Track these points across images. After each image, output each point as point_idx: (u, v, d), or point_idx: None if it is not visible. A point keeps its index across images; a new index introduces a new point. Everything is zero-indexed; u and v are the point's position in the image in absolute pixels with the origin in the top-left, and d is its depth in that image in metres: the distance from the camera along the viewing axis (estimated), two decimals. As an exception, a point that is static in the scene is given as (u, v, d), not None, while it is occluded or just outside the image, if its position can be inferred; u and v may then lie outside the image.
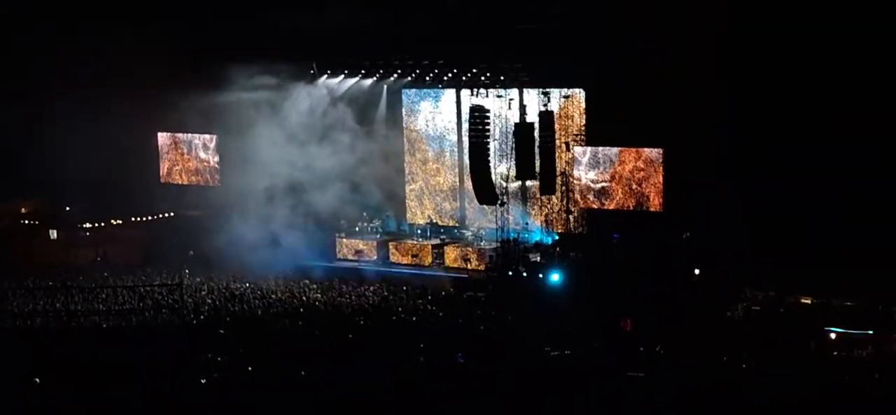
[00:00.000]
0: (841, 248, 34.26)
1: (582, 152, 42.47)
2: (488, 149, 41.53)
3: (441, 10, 41.07)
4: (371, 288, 41.63)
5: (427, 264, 44.23)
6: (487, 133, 41.37)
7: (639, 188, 41.45)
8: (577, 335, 32.96)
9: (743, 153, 37.12)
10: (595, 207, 42.58)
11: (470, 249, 43.72)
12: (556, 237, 42.57)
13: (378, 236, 46.20)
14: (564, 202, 42.41)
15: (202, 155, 51.13)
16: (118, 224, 51.10)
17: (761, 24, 36.30)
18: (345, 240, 46.21)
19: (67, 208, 51.86)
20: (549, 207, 43.12)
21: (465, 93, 44.16)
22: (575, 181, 42.55)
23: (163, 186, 52.20)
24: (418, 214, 47.14)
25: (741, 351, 30.99)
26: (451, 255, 43.98)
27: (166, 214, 51.64)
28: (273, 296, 40.65)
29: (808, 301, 35.12)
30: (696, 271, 38.19)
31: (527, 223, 43.37)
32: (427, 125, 46.61)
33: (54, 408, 27.00)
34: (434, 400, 26.96)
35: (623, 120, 40.22)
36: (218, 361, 30.79)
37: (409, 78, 45.04)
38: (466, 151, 42.88)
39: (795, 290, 35.27)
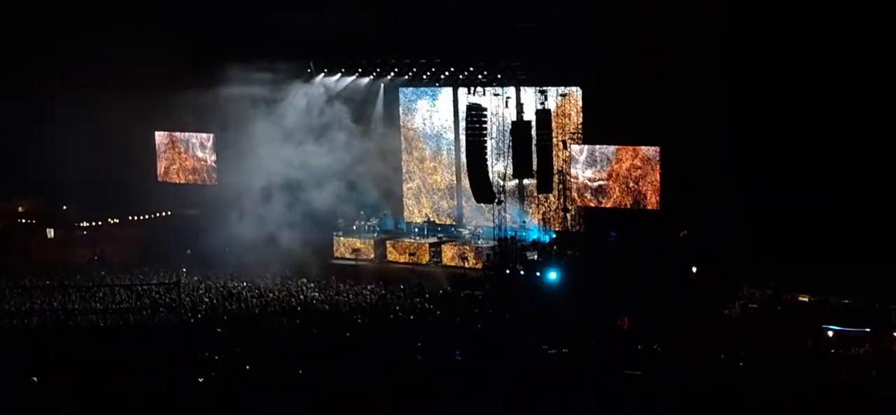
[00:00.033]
0: (838, 246, 34.29)
1: (579, 151, 42.48)
2: (485, 147, 41.56)
3: (438, 9, 41.07)
4: (369, 286, 41.62)
5: (424, 263, 44.21)
6: (484, 132, 41.38)
7: (636, 186, 41.48)
8: (575, 334, 32.94)
9: (740, 151, 37.15)
10: (592, 205, 42.61)
11: (467, 248, 43.72)
12: (554, 235, 42.59)
13: (375, 235, 46.19)
14: (562, 201, 42.42)
15: (199, 154, 51.14)
16: (115, 223, 51.10)
17: (758, 22, 36.34)
18: (342, 238, 46.21)
19: (64, 207, 51.84)
20: (546, 205, 43.13)
21: (462, 91, 44.14)
22: (572, 180, 42.56)
23: (160, 185, 52.26)
24: (415, 212, 47.15)
25: (739, 349, 31.00)
26: (449, 253, 43.98)
27: (164, 213, 51.66)
28: (270, 294, 40.63)
29: (806, 299, 35.15)
30: (694, 269, 38.20)
31: (524, 222, 43.39)
32: (424, 124, 46.62)
33: (52, 407, 26.96)
34: (432, 398, 26.96)
35: (620, 118, 40.25)
36: (215, 359, 30.77)
37: (407, 76, 45.04)
38: (464, 149, 42.87)
39: (793, 288, 35.30)
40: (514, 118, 41.98)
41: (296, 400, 27.30)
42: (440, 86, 45.34)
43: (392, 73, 45.34)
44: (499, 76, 41.89)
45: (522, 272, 40.76)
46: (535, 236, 42.84)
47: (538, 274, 40.06)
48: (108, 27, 43.86)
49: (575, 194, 42.63)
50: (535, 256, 41.20)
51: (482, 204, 43.14)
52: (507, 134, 41.75)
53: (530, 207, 44.03)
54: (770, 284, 35.68)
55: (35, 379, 28.49)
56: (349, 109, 46.05)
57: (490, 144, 41.91)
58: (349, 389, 27.41)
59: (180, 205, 51.43)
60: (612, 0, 38.92)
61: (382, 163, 46.16)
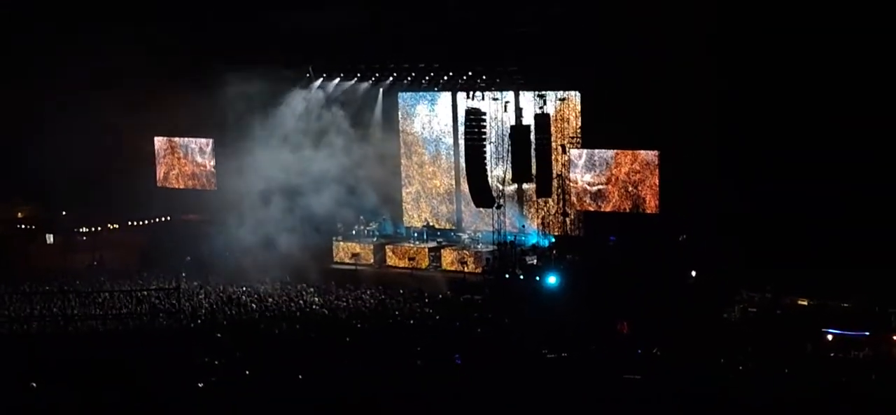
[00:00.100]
0: (837, 249, 34.30)
1: (578, 155, 42.51)
2: (484, 152, 41.54)
3: (437, 13, 41.07)
4: (368, 291, 41.63)
5: (424, 267, 44.20)
6: (484, 136, 41.37)
7: (635, 191, 41.50)
8: (574, 338, 32.96)
9: (739, 155, 37.16)
10: (591, 209, 42.62)
11: (467, 252, 43.72)
12: (553, 240, 42.59)
13: (375, 239, 46.19)
14: (561, 205, 42.43)
15: (199, 159, 51.15)
16: (115, 228, 51.09)
17: (757, 25, 36.36)
18: (341, 243, 46.21)
19: (64, 213, 51.83)
20: (545, 209, 43.14)
21: (461, 96, 44.13)
22: (571, 184, 42.58)
23: (159, 191, 52.25)
24: (415, 217, 47.15)
25: (738, 353, 31.01)
26: (448, 258, 43.98)
27: (163, 219, 51.63)
28: (270, 299, 40.63)
29: (805, 303, 35.15)
30: (693, 273, 38.21)
31: (523, 226, 43.39)
32: (423, 128, 46.64)
33: (52, 412, 26.98)
34: (431, 402, 26.97)
35: (619, 122, 40.27)
36: (215, 364, 30.77)
37: (406, 81, 45.05)
38: (463, 153, 42.88)
39: (792, 291, 35.30)
40: (513, 122, 42.01)
41: (296, 405, 27.32)
42: (439, 90, 45.34)
43: (391, 78, 45.36)
44: (497, 80, 41.88)
45: (522, 277, 40.78)
46: (534, 241, 42.85)
47: (537, 278, 40.08)
48: (108, 27, 43.84)
49: (574, 198, 42.65)
50: (535, 261, 41.20)
51: (481, 208, 43.12)
52: (506, 138, 41.76)
53: (529, 212, 44.04)
54: (769, 288, 35.69)
55: (34, 385, 28.49)
56: (348, 113, 46.03)
57: (489, 149, 41.90)
58: (349, 393, 27.42)
59: (180, 210, 51.41)
60: (610, 3, 38.94)
61: (381, 167, 46.13)
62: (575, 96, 42.12)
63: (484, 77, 42.03)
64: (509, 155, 41.55)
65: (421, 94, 46.19)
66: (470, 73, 42.44)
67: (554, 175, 41.89)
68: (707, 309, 35.67)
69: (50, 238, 50.55)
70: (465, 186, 43.70)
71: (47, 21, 47.31)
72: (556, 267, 40.31)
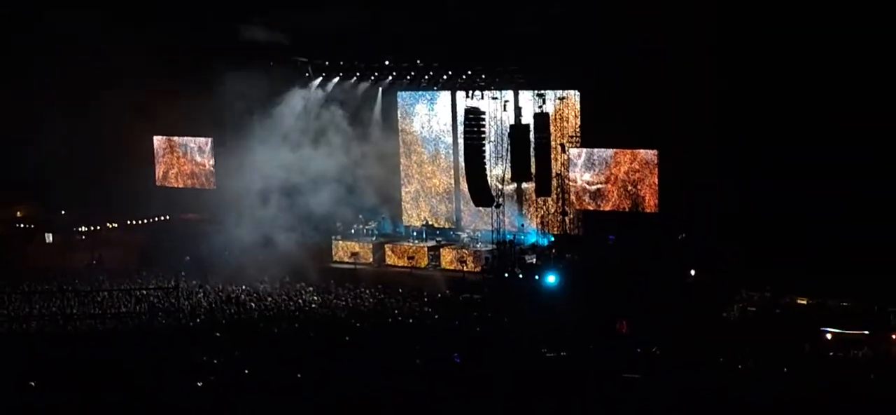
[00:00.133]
0: (837, 248, 34.32)
1: (577, 154, 42.52)
2: (484, 151, 41.56)
3: (436, 12, 41.06)
4: (367, 290, 41.63)
5: (423, 267, 44.20)
6: (483, 135, 41.40)
7: (634, 190, 41.51)
8: (573, 337, 32.97)
9: (738, 154, 37.16)
10: (591, 208, 42.64)
11: (466, 251, 43.71)
12: (552, 239, 42.60)
13: (374, 239, 46.19)
14: (560, 204, 42.43)
15: (198, 158, 51.16)
16: (114, 228, 51.10)
17: (756, 24, 36.35)
18: (340, 242, 46.20)
19: (63, 212, 51.82)
20: (544, 208, 43.14)
21: (460, 95, 44.14)
22: (570, 183, 42.59)
23: (159, 190, 52.25)
24: (414, 216, 47.16)
25: (737, 352, 31.00)
26: (448, 257, 43.97)
27: (162, 218, 51.62)
28: (269, 299, 40.65)
29: (804, 302, 35.18)
30: (692, 272, 38.21)
31: (522, 225, 43.40)
32: (422, 127, 46.64)
33: (51, 411, 26.98)
34: (431, 401, 26.97)
35: (618, 121, 40.30)
36: (214, 364, 30.77)
37: (405, 80, 45.05)
38: (462, 153, 42.88)
39: (791, 290, 35.33)
40: (513, 122, 42.01)
41: (295, 404, 27.31)
42: (438, 89, 45.35)
43: (390, 77, 45.36)
44: (497, 79, 41.90)
45: (521, 276, 40.79)
46: (533, 240, 42.86)
47: (537, 277, 40.09)
48: (108, 28, 43.84)
49: (573, 198, 42.65)
50: (534, 260, 41.19)
51: (480, 207, 43.12)
52: (506, 137, 41.79)
53: (529, 211, 44.04)
54: (768, 287, 35.72)
55: (33, 384, 28.48)
56: (347, 112, 46.02)
57: (488, 148, 41.92)
58: (348, 392, 27.42)
59: (179, 209, 51.41)
60: (609, 3, 38.93)
61: (380, 166, 46.14)
62: (574, 95, 42.13)
63: (483, 76, 42.04)
64: (508, 154, 41.57)
65: (420, 93, 46.20)
66: (469, 73, 42.45)
67: (553, 174, 41.90)
68: (706, 308, 35.67)
69: (49, 237, 50.55)
70: (464, 186, 43.72)
71: (47, 22, 47.31)
72: (555, 266, 40.33)
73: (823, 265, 34.36)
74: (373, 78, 45.76)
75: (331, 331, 35.53)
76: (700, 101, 37.23)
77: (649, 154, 41.19)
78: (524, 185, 43.30)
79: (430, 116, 46.36)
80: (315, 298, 40.83)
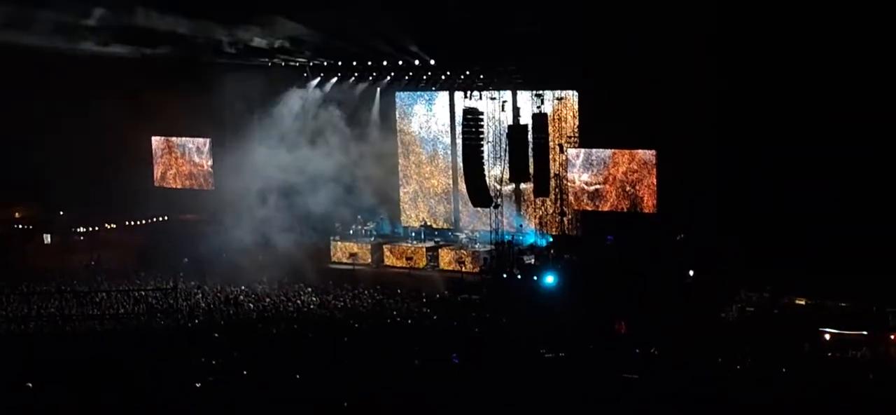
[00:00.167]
0: (835, 249, 34.31)
1: (575, 154, 42.53)
2: (482, 151, 41.56)
3: (436, 12, 41.04)
4: (365, 291, 41.62)
5: (421, 267, 44.19)
6: (481, 135, 41.39)
7: (632, 190, 41.53)
8: (572, 337, 32.96)
9: (736, 155, 37.16)
10: (589, 209, 42.67)
11: (464, 252, 43.72)
12: (551, 239, 42.60)
13: (372, 239, 46.18)
14: (558, 204, 42.43)
15: (196, 159, 51.18)
16: (112, 228, 51.06)
17: (754, 24, 36.34)
18: (339, 243, 46.20)
19: (61, 213, 51.79)
20: (542, 209, 43.13)
21: (458, 95, 44.15)
22: (569, 183, 42.61)
23: (157, 190, 52.24)
24: (412, 216, 47.15)
25: (736, 352, 31.00)
26: (446, 257, 43.97)
27: (160, 218, 51.60)
28: (267, 299, 40.63)
29: (803, 302, 35.16)
30: (690, 273, 38.22)
31: (521, 226, 43.40)
32: (421, 128, 46.64)
33: (49, 412, 26.95)
34: (429, 402, 26.95)
35: (617, 122, 40.30)
36: (212, 364, 30.75)
37: (403, 80, 45.06)
38: (460, 153, 42.87)
39: (790, 291, 35.31)
40: (511, 122, 42.00)
41: (293, 405, 27.29)
42: (437, 90, 45.37)
43: (388, 77, 45.37)
44: (495, 80, 41.90)
45: (519, 276, 40.80)
46: (531, 240, 42.85)
47: (535, 278, 40.10)
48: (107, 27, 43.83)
49: (571, 198, 42.66)
50: (532, 260, 41.20)
51: (479, 208, 43.11)
52: (504, 138, 41.78)
53: (527, 211, 44.03)
54: (767, 288, 35.72)
55: (30, 385, 28.45)
56: (345, 112, 46.04)
57: (487, 148, 41.91)
58: (346, 393, 27.39)
59: (177, 210, 51.40)
60: (608, 3, 38.92)
61: (379, 167, 46.14)
62: (572, 96, 42.13)
63: (481, 76, 42.05)
64: (507, 154, 41.58)
65: (418, 93, 46.21)
66: (467, 73, 42.46)
67: (551, 175, 41.88)
68: (705, 309, 35.66)
69: (47, 238, 50.51)
70: (462, 186, 43.73)
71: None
72: (553, 267, 40.34)
73: (822, 266, 34.35)
74: (371, 78, 45.80)
75: (329, 332, 35.51)
76: (698, 102, 37.21)
77: (648, 154, 41.21)
78: (522, 185, 43.29)
79: (429, 116, 46.36)
80: (313, 298, 40.83)
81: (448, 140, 45.94)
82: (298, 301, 40.37)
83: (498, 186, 42.42)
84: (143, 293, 40.49)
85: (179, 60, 44.57)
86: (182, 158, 51.84)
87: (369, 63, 44.89)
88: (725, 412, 26.30)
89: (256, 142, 45.65)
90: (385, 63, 44.44)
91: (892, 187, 34.97)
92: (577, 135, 42.25)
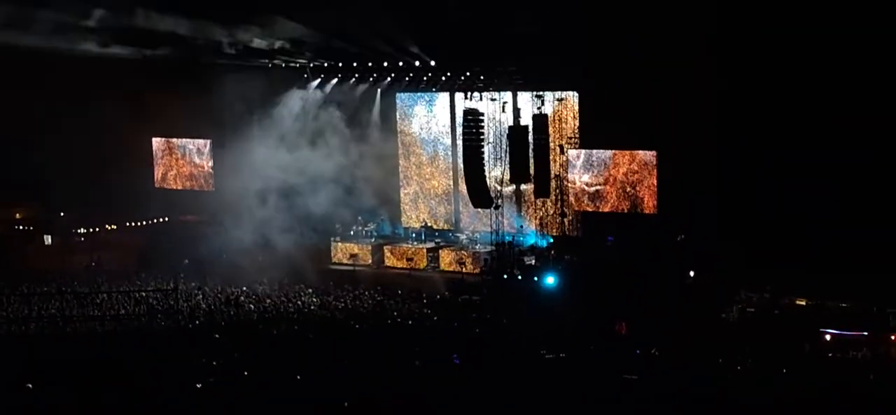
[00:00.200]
0: (836, 249, 34.32)
1: (576, 155, 42.53)
2: (483, 152, 41.53)
3: (436, 13, 41.04)
4: (366, 292, 41.62)
5: (422, 268, 44.18)
6: (482, 136, 41.38)
7: (633, 191, 41.52)
8: (572, 338, 32.95)
9: (737, 155, 37.16)
10: (589, 209, 42.67)
11: (465, 253, 43.72)
12: (551, 240, 42.60)
13: (373, 240, 46.18)
14: (559, 205, 42.43)
15: (197, 160, 51.19)
16: (113, 229, 51.06)
17: (755, 25, 36.34)
18: (339, 244, 46.20)
19: (62, 214, 51.79)
20: (543, 210, 43.15)
21: (459, 96, 44.15)
22: (569, 184, 42.61)
23: (157, 191, 52.23)
24: (413, 217, 47.15)
25: (736, 353, 30.99)
26: (447, 258, 43.96)
27: (161, 219, 51.61)
28: (268, 300, 40.62)
29: (803, 303, 35.16)
30: (691, 274, 38.22)
31: (521, 226, 43.39)
32: (421, 129, 46.64)
33: (50, 413, 26.94)
34: (430, 403, 26.94)
35: (617, 122, 40.30)
36: (213, 365, 30.74)
37: (404, 81, 45.06)
38: (461, 154, 42.86)
39: (790, 291, 35.31)
40: (511, 123, 42.00)
41: (294, 406, 27.28)
42: (437, 91, 45.37)
43: (389, 78, 45.37)
44: (495, 81, 41.90)
45: (520, 277, 40.79)
46: (532, 241, 42.85)
47: (535, 279, 40.09)
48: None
49: (572, 199, 42.66)
50: (533, 261, 41.20)
51: (479, 209, 43.10)
52: (504, 139, 41.77)
53: (527, 212, 44.02)
54: (767, 288, 35.70)
55: (30, 386, 28.45)
56: (346, 113, 46.04)
57: (487, 149, 41.89)
58: (347, 394, 27.38)
59: (178, 211, 51.40)
60: (608, 4, 38.91)
61: (379, 168, 46.14)
62: (573, 96, 42.13)
63: (482, 77, 42.04)
64: (507, 155, 41.57)
65: (419, 94, 46.20)
66: (468, 74, 42.45)
67: (552, 176, 41.89)
68: (705, 309, 35.66)
69: (48, 239, 50.54)
70: (463, 187, 43.72)
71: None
72: (554, 267, 40.33)
73: (823, 266, 34.35)
74: (371, 79, 45.80)
75: (330, 333, 35.51)
76: (698, 102, 37.22)
77: (648, 155, 41.21)
78: (523, 186, 43.27)
79: (429, 117, 46.37)
80: (314, 299, 40.81)
81: (448, 141, 45.94)
82: (299, 302, 40.35)
83: (498, 187, 42.41)
84: (143, 294, 40.48)
85: (180, 61, 44.55)
86: (182, 159, 51.85)
87: (370, 64, 44.92)
88: (726, 413, 26.29)
89: (257, 143, 45.64)
90: (385, 64, 44.46)
91: (892, 187, 34.96)
92: (577, 136, 42.25)
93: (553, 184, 41.98)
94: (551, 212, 42.90)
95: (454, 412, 26.58)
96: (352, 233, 46.46)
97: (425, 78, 44.19)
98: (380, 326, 36.82)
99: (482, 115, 41.38)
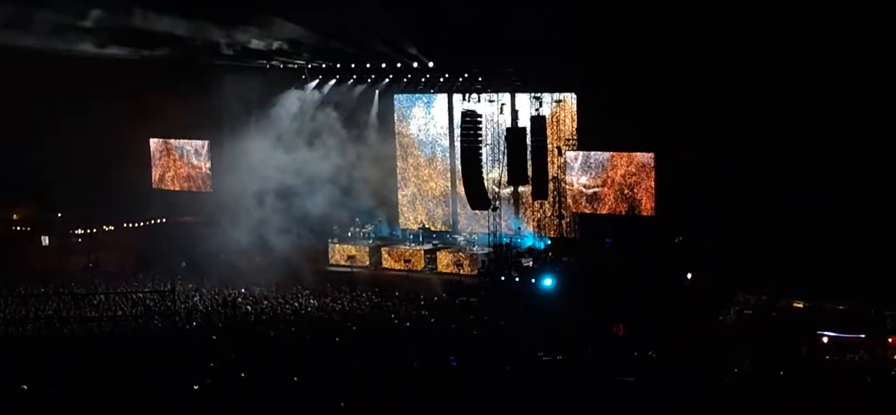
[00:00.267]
0: (833, 251, 34.31)
1: (574, 157, 42.53)
2: (480, 154, 41.56)
3: (435, 13, 41.03)
4: (364, 293, 41.60)
5: (420, 270, 44.17)
6: (479, 138, 41.39)
7: (631, 193, 41.51)
8: (570, 340, 32.94)
9: (734, 157, 37.15)
10: (587, 211, 42.66)
11: (462, 255, 43.72)
12: (549, 242, 42.61)
13: (370, 242, 46.16)
14: (556, 207, 42.43)
15: (194, 161, 51.14)
16: (110, 231, 51.02)
17: (752, 26, 36.34)
18: (337, 245, 46.17)
19: (59, 215, 51.75)
20: (541, 211, 43.15)
21: (456, 98, 44.15)
22: (567, 186, 42.60)
23: (155, 193, 52.20)
24: (411, 219, 47.14)
25: (734, 355, 30.98)
26: (444, 260, 43.95)
27: (158, 221, 51.58)
28: (265, 302, 40.58)
29: (801, 305, 35.13)
30: (689, 275, 38.22)
31: (519, 228, 43.40)
32: (419, 130, 46.64)
33: (46, 414, 26.93)
34: (427, 404, 26.93)
35: (615, 124, 40.30)
36: (210, 367, 30.72)
37: (402, 82, 45.06)
38: (459, 156, 42.86)
39: (788, 294, 35.29)
40: (509, 125, 41.99)
41: (291, 407, 27.26)
42: (435, 92, 45.36)
43: (387, 79, 45.36)
44: (493, 82, 41.89)
45: (517, 279, 40.78)
46: (530, 243, 42.86)
47: (533, 281, 40.09)
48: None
49: (570, 201, 42.66)
50: (531, 263, 41.22)
51: (477, 211, 43.10)
52: (502, 140, 41.77)
53: (525, 214, 44.04)
54: (765, 290, 35.69)
55: (25, 387, 28.42)
56: (343, 114, 46.04)
57: (485, 151, 41.92)
58: (344, 396, 27.37)
59: (175, 212, 51.37)
60: (607, 4, 38.91)
61: (377, 169, 46.13)
62: (571, 98, 42.14)
63: (480, 79, 42.04)
64: (505, 157, 41.57)
65: (417, 95, 46.19)
66: (466, 75, 42.45)
67: (550, 177, 41.90)
68: (703, 311, 35.65)
69: (45, 240, 50.50)
70: (460, 189, 43.72)
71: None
72: (551, 269, 40.32)
73: (820, 268, 34.35)
74: (369, 80, 45.78)
75: (327, 334, 35.48)
76: (697, 104, 37.22)
77: (646, 157, 41.20)
78: (521, 188, 43.30)
79: (427, 118, 46.36)
80: (311, 301, 40.77)
81: (446, 142, 45.93)
82: (296, 303, 40.32)
83: (496, 189, 42.42)
84: (140, 295, 40.40)
85: (178, 62, 44.54)
86: (180, 160, 51.82)
87: (368, 65, 44.91)
88: (723, 415, 26.34)
89: (254, 144, 45.60)
90: (383, 65, 44.45)
91: (892, 188, 34.96)
92: (575, 137, 42.26)
93: (551, 186, 42.00)
94: (549, 214, 42.90)
95: (451, 414, 26.58)
96: (349, 234, 46.47)
97: (423, 79, 44.20)
98: (377, 327, 36.80)
99: (480, 116, 41.39)
